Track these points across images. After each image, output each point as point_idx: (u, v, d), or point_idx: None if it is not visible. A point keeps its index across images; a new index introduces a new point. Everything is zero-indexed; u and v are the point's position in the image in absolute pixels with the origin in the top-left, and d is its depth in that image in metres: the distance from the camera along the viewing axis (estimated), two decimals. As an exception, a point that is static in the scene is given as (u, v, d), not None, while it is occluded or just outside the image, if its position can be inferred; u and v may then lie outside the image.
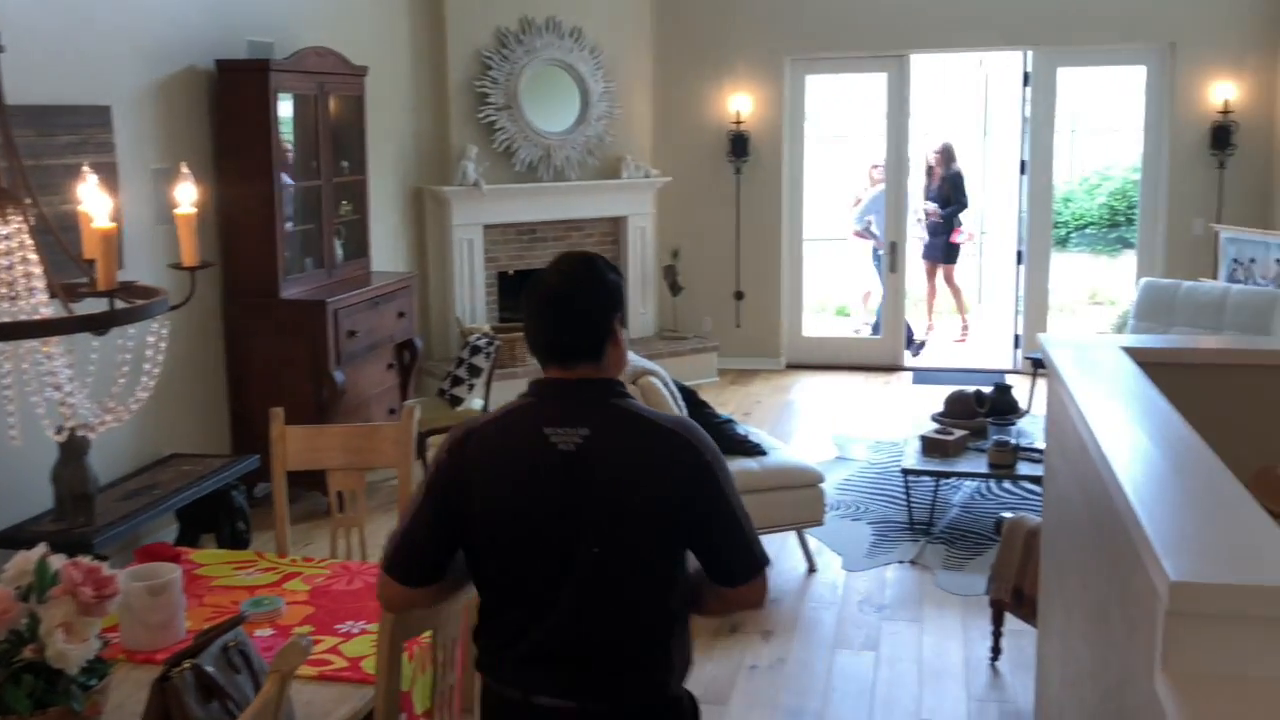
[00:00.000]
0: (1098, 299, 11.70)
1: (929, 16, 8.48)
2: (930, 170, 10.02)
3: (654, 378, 4.77)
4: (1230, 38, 8.13)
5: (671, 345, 8.56)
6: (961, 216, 9.99)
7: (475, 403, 6.27)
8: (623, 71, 8.41)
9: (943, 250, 9.91)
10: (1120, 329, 7.68)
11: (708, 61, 8.82)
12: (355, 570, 3.20)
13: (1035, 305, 8.91)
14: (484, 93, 7.83)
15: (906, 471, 5.70)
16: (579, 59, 8.12)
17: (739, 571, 2.08)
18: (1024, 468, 5.50)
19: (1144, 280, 7.40)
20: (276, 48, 6.03)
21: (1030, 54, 8.54)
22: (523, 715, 2.09)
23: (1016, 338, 9.03)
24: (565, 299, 2.08)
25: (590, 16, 8.17)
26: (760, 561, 2.09)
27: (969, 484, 6.17)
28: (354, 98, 6.51)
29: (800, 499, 5.07)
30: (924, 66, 9.56)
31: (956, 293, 10.17)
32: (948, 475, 5.76)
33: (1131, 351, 2.94)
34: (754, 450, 5.14)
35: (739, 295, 9.08)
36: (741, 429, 5.36)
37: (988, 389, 6.19)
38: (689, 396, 5.11)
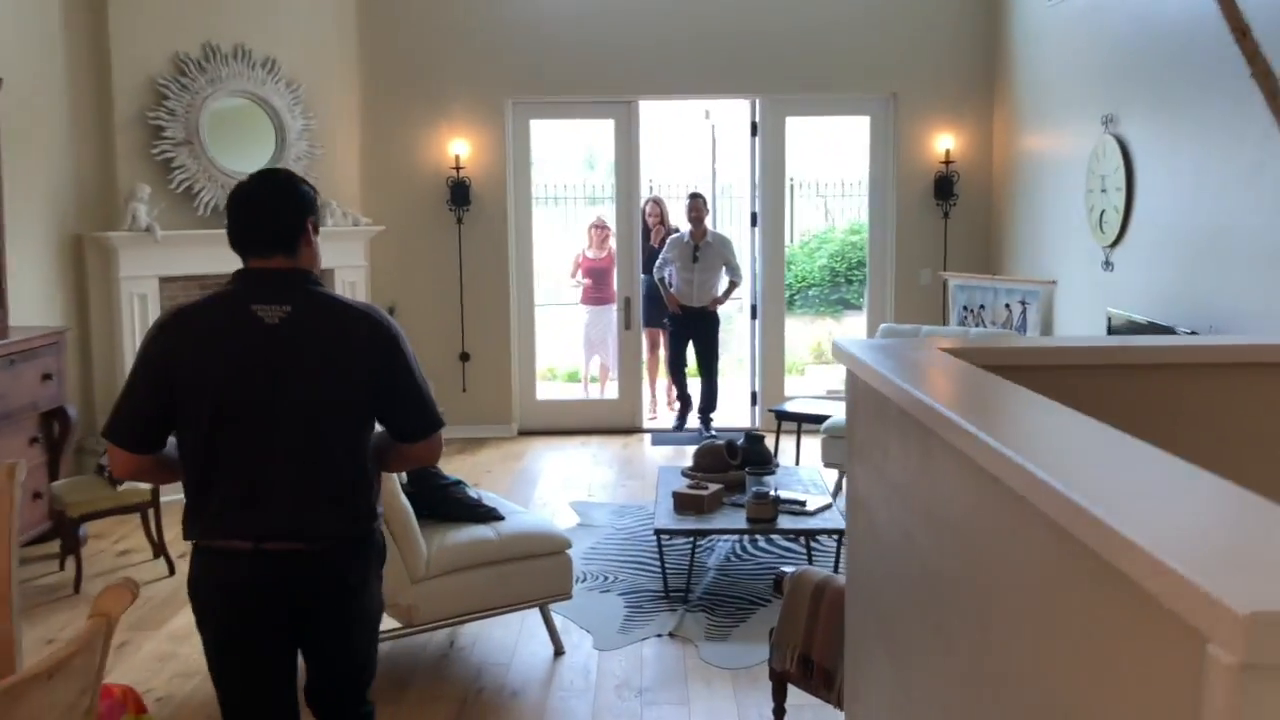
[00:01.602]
0: (825, 358, 11.67)
1: (655, 61, 8.12)
2: (647, 228, 9.00)
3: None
4: (948, 89, 8.20)
5: (389, 412, 7.62)
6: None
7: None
8: (325, 108, 7.51)
9: (663, 312, 8.65)
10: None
11: (422, 101, 8.09)
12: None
13: (773, 361, 8.61)
14: (159, 125, 6.75)
15: (660, 532, 5.06)
16: (273, 92, 7.17)
17: (419, 430, 2.52)
18: (785, 521, 4.98)
19: (884, 325, 7.17)
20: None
21: (758, 102, 8.32)
22: (253, 562, 2.38)
23: (754, 394, 8.69)
24: (264, 198, 2.45)
25: (285, 46, 7.25)
26: (436, 421, 2.52)
27: (723, 544, 5.61)
28: (-15, 115, 5.36)
29: (545, 569, 4.33)
30: (654, 119, 9.15)
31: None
32: (705, 534, 5.16)
33: (954, 352, 2.40)
34: (488, 516, 4.39)
35: (464, 357, 8.29)
36: (474, 493, 4.58)
37: (738, 441, 5.68)
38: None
